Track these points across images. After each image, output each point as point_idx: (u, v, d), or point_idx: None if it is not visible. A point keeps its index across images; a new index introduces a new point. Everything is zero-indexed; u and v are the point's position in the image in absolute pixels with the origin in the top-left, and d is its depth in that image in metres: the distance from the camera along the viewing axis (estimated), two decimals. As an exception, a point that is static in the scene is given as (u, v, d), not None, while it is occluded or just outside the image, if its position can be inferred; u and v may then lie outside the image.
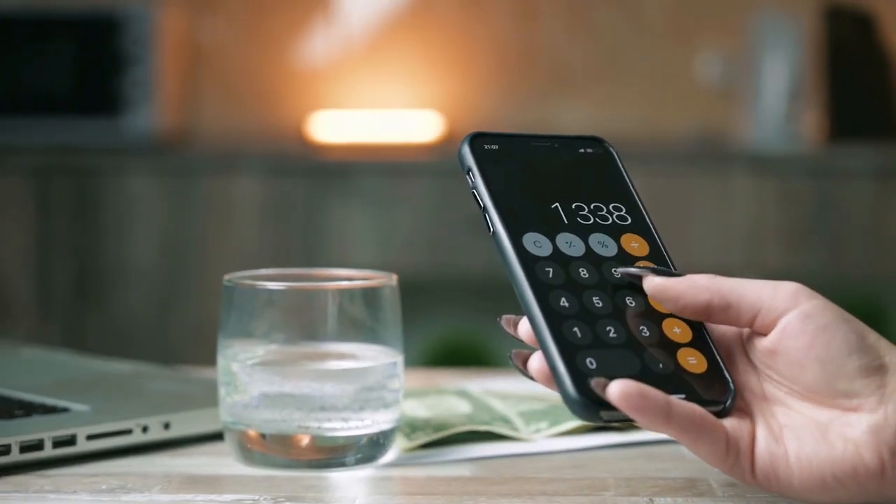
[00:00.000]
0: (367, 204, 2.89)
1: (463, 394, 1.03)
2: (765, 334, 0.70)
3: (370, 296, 0.87)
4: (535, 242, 0.73)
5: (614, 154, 0.79)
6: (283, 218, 2.90)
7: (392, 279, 0.89)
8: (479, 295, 3.10)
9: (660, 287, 0.71)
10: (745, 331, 0.72)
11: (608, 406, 0.67)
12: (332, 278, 0.90)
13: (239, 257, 2.86)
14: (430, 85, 3.28)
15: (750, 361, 0.72)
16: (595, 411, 0.67)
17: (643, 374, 0.69)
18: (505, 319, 0.74)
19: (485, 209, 0.74)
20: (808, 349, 0.68)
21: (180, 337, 2.86)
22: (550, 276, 0.71)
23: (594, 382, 0.67)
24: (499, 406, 0.99)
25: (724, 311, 0.70)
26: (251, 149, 3.08)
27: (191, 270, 2.89)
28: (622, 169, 0.79)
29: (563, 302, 0.70)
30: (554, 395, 1.01)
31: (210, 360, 0.91)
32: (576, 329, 0.69)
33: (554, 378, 0.69)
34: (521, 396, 1.02)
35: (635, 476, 0.84)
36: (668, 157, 2.88)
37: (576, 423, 0.93)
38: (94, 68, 3.02)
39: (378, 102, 3.24)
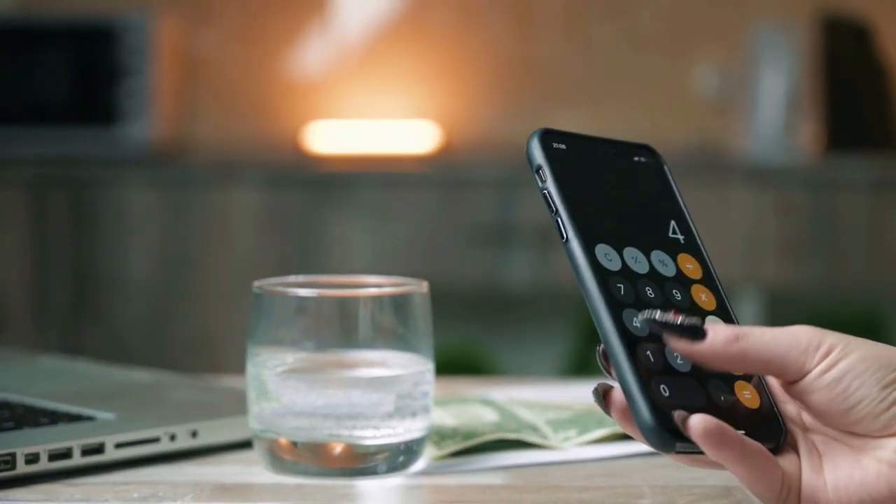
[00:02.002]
0: (364, 214, 2.89)
1: (488, 402, 1.02)
2: (786, 383, 0.69)
3: (401, 303, 0.87)
4: (605, 255, 0.69)
5: (665, 166, 0.76)
6: (280, 229, 2.89)
7: (422, 286, 0.88)
8: (476, 306, 3.10)
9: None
10: None
11: (683, 437, 0.65)
12: (363, 285, 0.89)
13: (236, 268, 2.85)
14: (427, 95, 3.27)
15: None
16: (672, 443, 0.65)
17: (709, 406, 0.67)
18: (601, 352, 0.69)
19: (557, 213, 0.69)
20: (829, 403, 0.67)
21: (178, 348, 2.85)
22: (622, 292, 0.67)
23: (677, 416, 0.65)
24: (525, 414, 0.98)
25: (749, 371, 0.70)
26: (248, 160, 3.07)
27: (188, 281, 2.88)
28: (672, 182, 0.75)
29: (636, 322, 0.67)
30: (578, 403, 1.01)
31: (208, 370, 0.91)
32: (649, 353, 0.66)
33: (628, 404, 0.66)
34: (545, 405, 1.01)
35: (670, 484, 0.83)
36: (666, 168, 2.88)
37: (605, 431, 0.93)
38: (90, 78, 3.01)
39: (375, 113, 3.23)
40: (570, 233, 0.69)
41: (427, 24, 3.30)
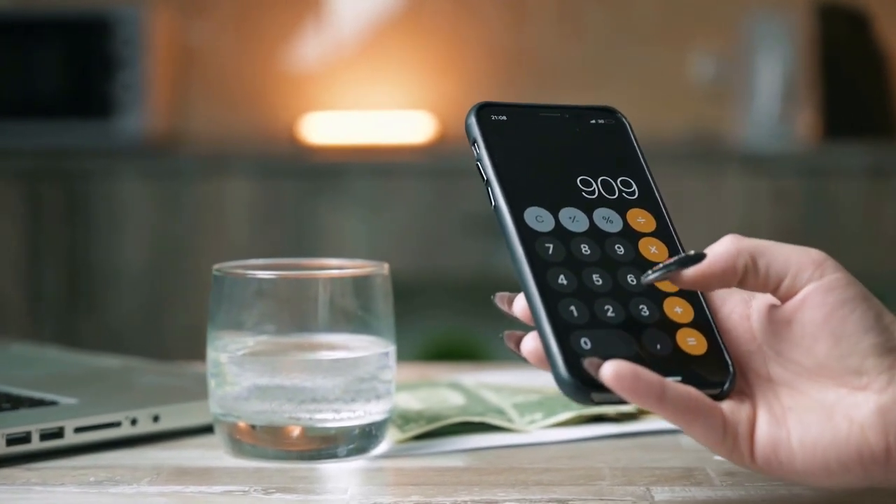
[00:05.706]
0: (358, 205, 2.88)
1: (456, 386, 1.02)
2: (783, 300, 0.68)
3: (361, 285, 0.86)
4: (536, 217, 0.70)
5: (627, 125, 0.77)
6: (274, 220, 2.88)
7: (383, 268, 0.87)
8: (471, 296, 3.09)
9: (699, 279, 0.67)
10: (756, 304, 0.70)
11: (600, 388, 0.65)
12: (323, 268, 0.89)
13: (230, 259, 2.84)
14: (422, 86, 3.26)
15: (755, 341, 0.70)
16: (586, 393, 0.65)
17: (639, 356, 0.67)
18: (499, 297, 0.72)
19: (487, 182, 0.71)
20: (825, 322, 0.66)
21: (173, 339, 2.85)
22: (550, 252, 0.69)
23: (587, 362, 0.65)
24: (492, 398, 0.98)
25: (751, 280, 0.68)
26: (242, 151, 3.06)
27: (182, 273, 2.87)
28: (634, 141, 0.76)
29: (562, 279, 0.68)
30: (548, 387, 1.00)
31: (203, 360, 0.90)
32: (572, 308, 0.67)
33: (547, 358, 0.67)
34: (514, 389, 1.01)
35: (631, 466, 0.82)
36: (661, 156, 2.87)
37: (570, 414, 0.92)
38: (84, 71, 3.01)
39: (369, 104, 3.23)
40: (498, 199, 0.70)
41: (421, 15, 3.29)
